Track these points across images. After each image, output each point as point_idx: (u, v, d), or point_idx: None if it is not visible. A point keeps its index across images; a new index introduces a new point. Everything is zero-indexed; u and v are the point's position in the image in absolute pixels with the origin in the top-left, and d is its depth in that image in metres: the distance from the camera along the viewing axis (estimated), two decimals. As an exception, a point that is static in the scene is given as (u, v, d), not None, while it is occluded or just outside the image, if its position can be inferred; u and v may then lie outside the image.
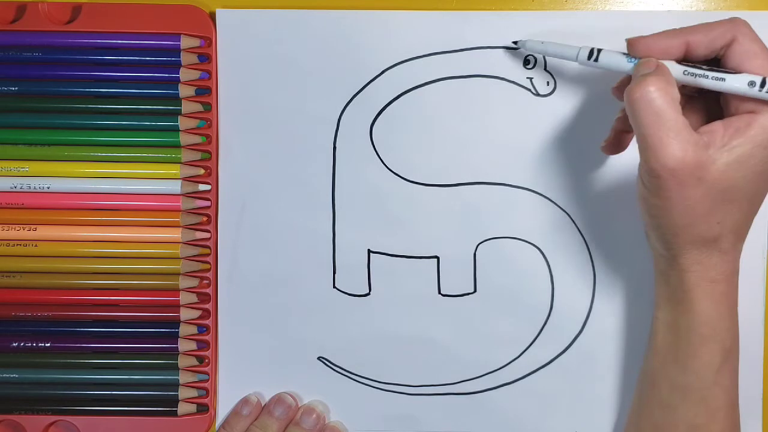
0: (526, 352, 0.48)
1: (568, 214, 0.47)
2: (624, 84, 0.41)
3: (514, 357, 0.48)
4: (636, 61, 0.38)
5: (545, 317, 0.48)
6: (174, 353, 0.47)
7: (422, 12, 0.46)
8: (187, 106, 0.47)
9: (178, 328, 0.47)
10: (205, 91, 0.47)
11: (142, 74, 0.47)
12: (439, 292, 0.48)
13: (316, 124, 0.47)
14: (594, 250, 0.47)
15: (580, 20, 0.46)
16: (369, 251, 0.48)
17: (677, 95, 0.35)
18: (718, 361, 0.38)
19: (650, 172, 0.35)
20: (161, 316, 0.47)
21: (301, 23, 0.46)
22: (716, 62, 0.37)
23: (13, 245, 0.47)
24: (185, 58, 0.46)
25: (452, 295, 0.48)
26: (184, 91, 0.46)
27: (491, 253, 0.47)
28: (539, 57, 0.46)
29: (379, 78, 0.47)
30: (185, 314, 0.47)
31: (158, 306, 0.47)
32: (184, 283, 0.47)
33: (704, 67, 0.37)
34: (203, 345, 0.48)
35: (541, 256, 0.47)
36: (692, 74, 0.37)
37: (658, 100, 0.35)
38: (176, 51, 0.46)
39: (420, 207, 0.47)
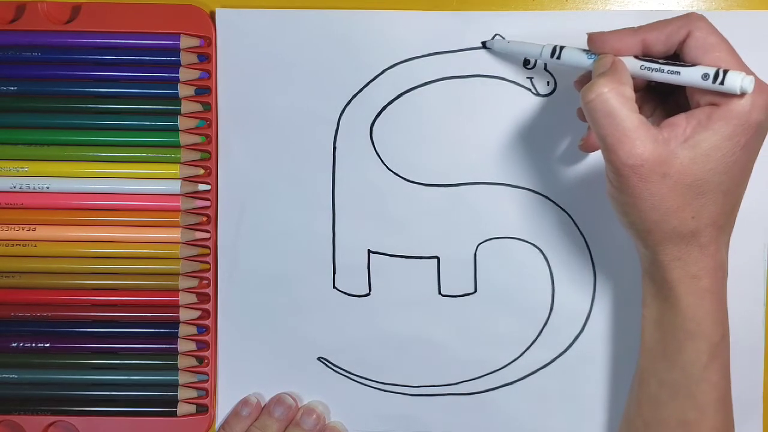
0: (527, 352, 0.48)
1: (568, 214, 0.47)
2: (585, 79, 0.41)
3: (515, 357, 0.48)
4: (596, 58, 0.38)
5: (545, 317, 0.48)
6: (173, 354, 0.47)
7: (422, 12, 0.46)
8: (186, 106, 0.47)
9: (177, 329, 0.47)
10: (205, 91, 0.47)
11: (142, 74, 0.47)
12: (440, 293, 0.48)
13: (316, 124, 0.47)
14: (594, 250, 0.47)
15: (580, 20, 0.46)
16: (369, 251, 0.48)
17: (631, 94, 0.35)
18: (704, 357, 0.38)
19: (613, 170, 0.35)
20: (161, 316, 0.47)
21: (301, 23, 0.46)
22: (677, 57, 0.37)
23: (13, 245, 0.47)
24: (185, 58, 0.46)
25: (452, 295, 0.48)
26: (184, 90, 0.46)
27: (491, 254, 0.47)
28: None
29: (378, 78, 0.47)
30: (185, 314, 0.47)
31: (158, 306, 0.47)
32: (183, 283, 0.47)
33: (661, 61, 0.36)
34: (203, 345, 0.48)
35: (541, 256, 0.47)
36: (649, 68, 0.36)
37: (612, 101, 0.34)
38: (176, 51, 0.46)
39: (420, 207, 0.47)
